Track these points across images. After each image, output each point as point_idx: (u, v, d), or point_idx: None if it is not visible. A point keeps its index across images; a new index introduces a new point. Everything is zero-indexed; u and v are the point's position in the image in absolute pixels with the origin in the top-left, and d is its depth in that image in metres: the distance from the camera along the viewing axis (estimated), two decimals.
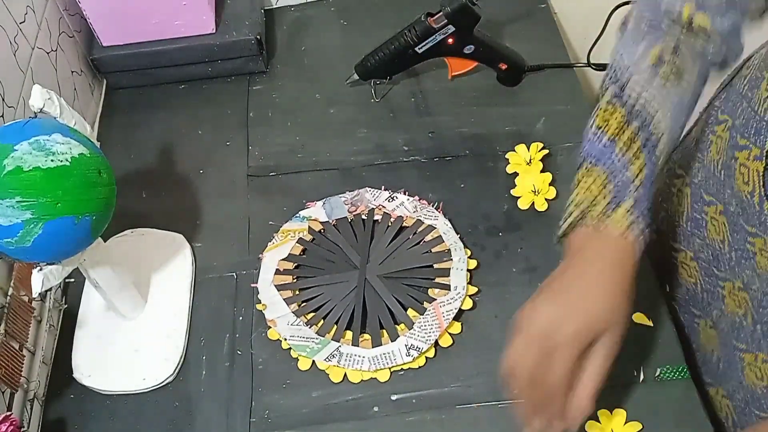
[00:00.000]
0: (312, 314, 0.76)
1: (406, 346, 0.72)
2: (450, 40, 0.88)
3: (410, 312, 0.75)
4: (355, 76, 0.94)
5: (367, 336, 0.74)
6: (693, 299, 0.77)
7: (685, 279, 0.78)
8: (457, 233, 0.81)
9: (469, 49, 0.90)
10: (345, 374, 0.73)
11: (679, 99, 0.63)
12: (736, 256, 0.67)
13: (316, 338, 0.74)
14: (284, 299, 0.77)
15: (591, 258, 0.60)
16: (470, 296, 0.76)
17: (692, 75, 0.63)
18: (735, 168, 0.66)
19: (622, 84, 0.63)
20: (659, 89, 0.62)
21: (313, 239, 0.82)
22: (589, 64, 1.02)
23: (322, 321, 0.75)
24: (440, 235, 0.80)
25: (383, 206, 0.84)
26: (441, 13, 0.86)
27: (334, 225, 0.83)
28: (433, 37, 0.87)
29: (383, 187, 0.86)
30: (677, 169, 0.79)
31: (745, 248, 0.66)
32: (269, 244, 0.82)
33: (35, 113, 0.62)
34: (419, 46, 0.88)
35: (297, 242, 0.82)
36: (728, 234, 0.68)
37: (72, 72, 0.94)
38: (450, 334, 0.74)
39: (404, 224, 0.82)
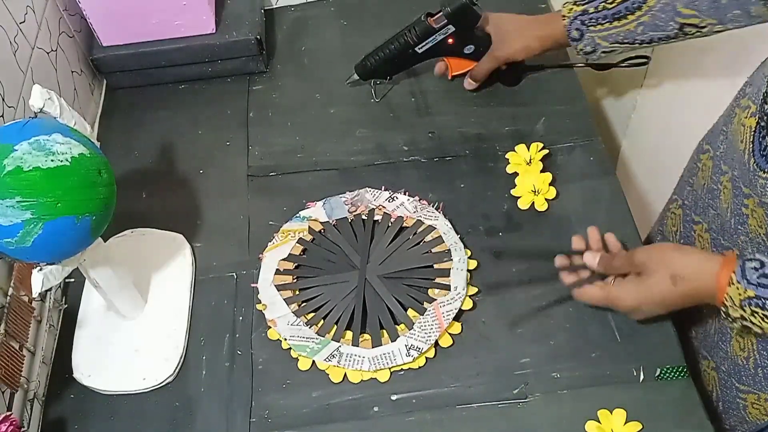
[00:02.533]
0: (312, 314, 0.76)
1: (406, 346, 0.72)
2: (450, 40, 0.88)
3: (410, 312, 0.75)
4: (355, 76, 0.94)
5: (367, 336, 0.74)
6: None
7: None
8: (457, 233, 0.81)
9: (469, 49, 0.90)
10: (345, 374, 0.73)
11: None
12: (735, 222, 0.70)
13: (316, 338, 0.74)
14: (284, 299, 0.77)
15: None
16: (470, 296, 0.76)
17: None
18: (740, 130, 0.68)
19: None
20: None
21: (313, 239, 0.82)
22: (589, 64, 1.02)
23: (322, 321, 0.75)
24: (440, 236, 0.80)
25: (383, 206, 0.84)
26: (441, 13, 0.86)
27: (334, 225, 0.83)
28: (433, 37, 0.87)
29: (383, 187, 0.86)
30: (704, 144, 0.80)
31: (740, 212, 0.68)
32: (269, 244, 0.82)
33: (35, 113, 0.62)
34: (419, 46, 0.88)
35: (297, 242, 0.82)
36: (731, 200, 0.70)
37: (72, 72, 0.94)
38: (450, 334, 0.74)
39: (404, 224, 0.82)
